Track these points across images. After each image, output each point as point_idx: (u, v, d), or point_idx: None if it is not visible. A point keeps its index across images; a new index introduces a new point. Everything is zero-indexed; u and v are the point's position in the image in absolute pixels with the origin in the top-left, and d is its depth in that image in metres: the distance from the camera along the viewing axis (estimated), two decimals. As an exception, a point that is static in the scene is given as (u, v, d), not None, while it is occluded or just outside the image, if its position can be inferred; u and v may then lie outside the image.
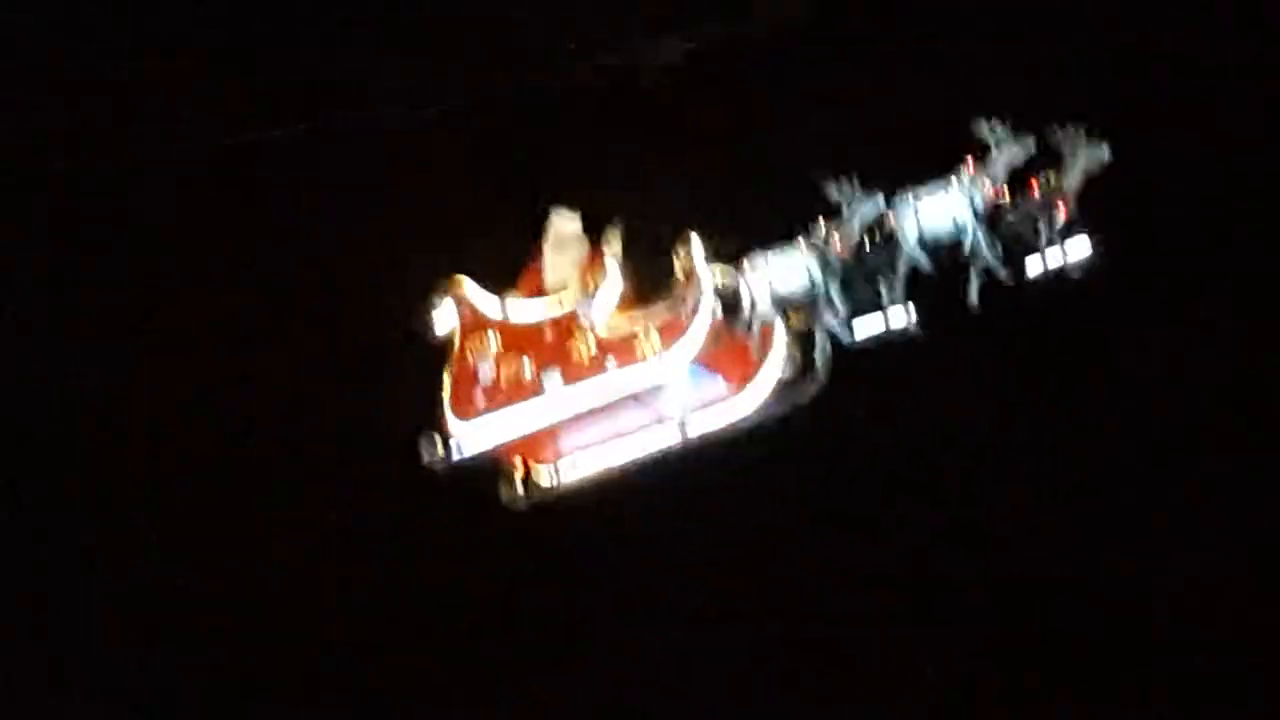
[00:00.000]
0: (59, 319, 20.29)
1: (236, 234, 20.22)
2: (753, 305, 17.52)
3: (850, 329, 17.57)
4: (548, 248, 18.26)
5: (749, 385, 17.71)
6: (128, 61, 21.06)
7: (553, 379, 17.68)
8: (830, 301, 17.50)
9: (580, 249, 18.25)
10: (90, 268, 20.45)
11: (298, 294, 19.72)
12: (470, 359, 17.95)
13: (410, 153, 20.06)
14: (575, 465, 17.90)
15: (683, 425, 17.77)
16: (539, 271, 18.27)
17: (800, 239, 17.51)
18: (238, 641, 18.86)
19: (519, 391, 17.74)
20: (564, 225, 18.27)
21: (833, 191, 17.30)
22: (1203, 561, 17.78)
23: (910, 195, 17.29)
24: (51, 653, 19.12)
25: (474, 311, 18.12)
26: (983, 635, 18.00)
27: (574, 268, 18.19)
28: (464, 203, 19.52)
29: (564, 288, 18.13)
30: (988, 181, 17.24)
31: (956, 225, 17.27)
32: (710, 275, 17.55)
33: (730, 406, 17.74)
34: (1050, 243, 17.46)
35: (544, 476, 17.93)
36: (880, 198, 17.28)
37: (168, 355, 19.85)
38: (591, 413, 17.71)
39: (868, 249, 17.48)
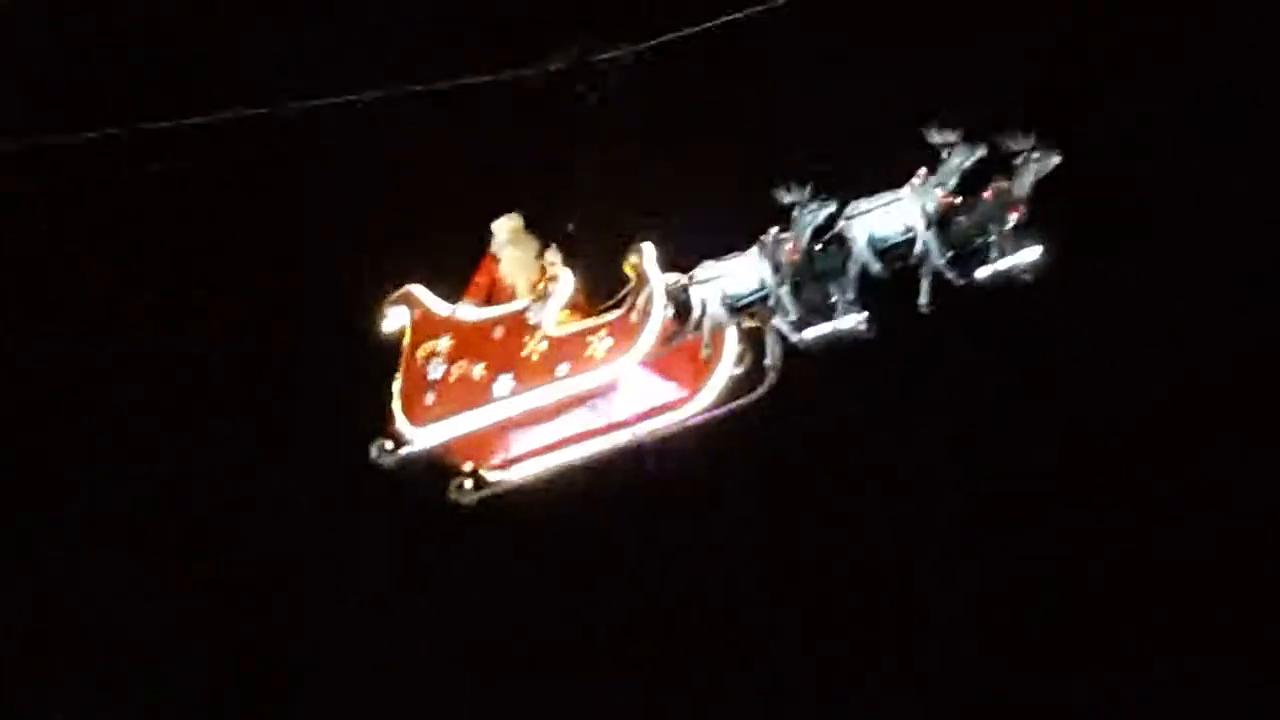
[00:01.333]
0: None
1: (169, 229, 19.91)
2: (703, 308, 17.32)
3: (801, 331, 17.33)
4: (494, 249, 18.08)
5: (700, 388, 17.54)
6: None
7: (503, 382, 17.49)
8: (781, 304, 17.28)
9: (527, 250, 18.05)
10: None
11: (240, 299, 19.55)
12: (420, 361, 17.77)
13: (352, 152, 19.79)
14: (525, 467, 17.77)
15: (634, 428, 17.63)
16: (488, 274, 18.08)
17: (751, 244, 17.32)
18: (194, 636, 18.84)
19: (470, 394, 17.57)
20: (509, 226, 18.10)
21: (783, 195, 17.09)
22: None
23: (862, 200, 17.10)
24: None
25: (425, 313, 17.94)
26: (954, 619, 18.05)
27: (522, 269, 18.00)
28: (408, 204, 19.32)
29: (513, 289, 17.94)
30: (939, 187, 17.05)
31: (907, 229, 17.08)
32: (661, 278, 17.33)
33: (681, 409, 17.55)
34: (1001, 247, 17.28)
35: (493, 477, 17.80)
36: (832, 203, 17.08)
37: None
38: (542, 414, 17.51)
39: (819, 252, 17.27)
